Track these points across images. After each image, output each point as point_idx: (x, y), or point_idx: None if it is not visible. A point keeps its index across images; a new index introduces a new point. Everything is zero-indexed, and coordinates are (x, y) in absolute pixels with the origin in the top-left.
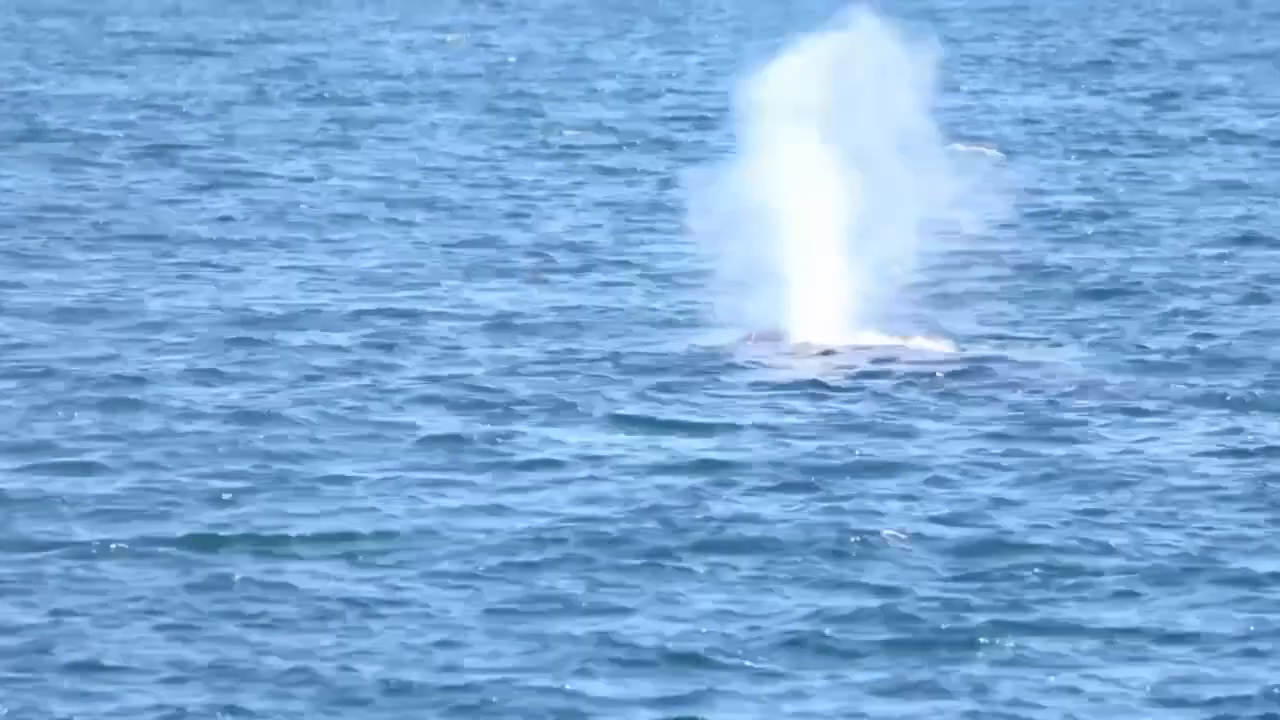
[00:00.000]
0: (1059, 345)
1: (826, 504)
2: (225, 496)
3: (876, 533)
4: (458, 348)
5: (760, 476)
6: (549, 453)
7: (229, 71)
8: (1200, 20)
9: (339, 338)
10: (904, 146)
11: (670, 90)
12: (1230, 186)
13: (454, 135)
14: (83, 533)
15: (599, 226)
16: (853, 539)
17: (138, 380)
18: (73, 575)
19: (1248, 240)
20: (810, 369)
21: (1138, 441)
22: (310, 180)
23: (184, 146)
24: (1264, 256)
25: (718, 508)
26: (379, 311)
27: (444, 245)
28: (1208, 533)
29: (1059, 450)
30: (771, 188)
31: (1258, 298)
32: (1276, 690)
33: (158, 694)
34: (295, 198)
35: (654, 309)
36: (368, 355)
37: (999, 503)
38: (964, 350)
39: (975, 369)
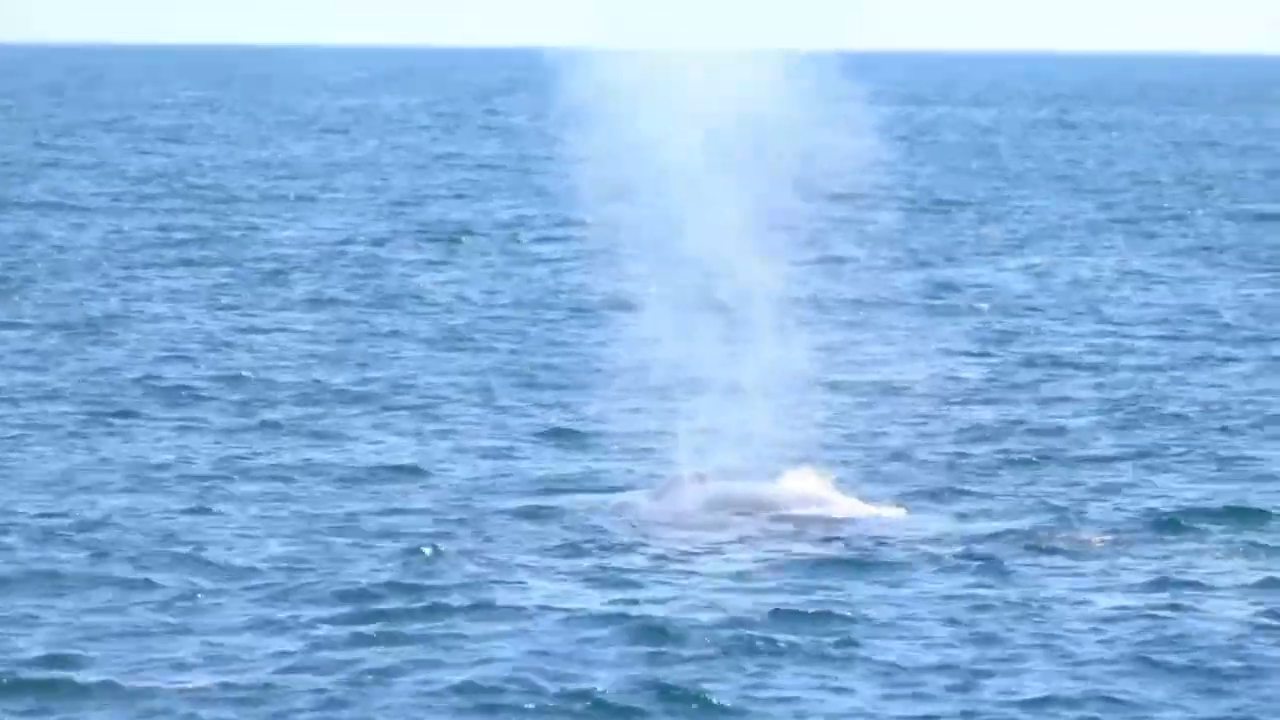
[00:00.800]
0: (985, 496)
1: (765, 668)
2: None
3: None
4: (377, 492)
5: (692, 637)
6: (479, 603)
7: None
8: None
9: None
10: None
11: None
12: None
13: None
14: None
15: (497, 383)
16: (793, 703)
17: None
18: None
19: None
20: (726, 522)
21: (1066, 589)
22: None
23: None
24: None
25: (652, 668)
26: (293, 466)
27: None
28: (1168, 680)
29: (1003, 599)
30: (679, 341)
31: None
32: None
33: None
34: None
35: (568, 469)
36: (285, 515)
37: (942, 664)
38: (895, 502)
39: (908, 521)
